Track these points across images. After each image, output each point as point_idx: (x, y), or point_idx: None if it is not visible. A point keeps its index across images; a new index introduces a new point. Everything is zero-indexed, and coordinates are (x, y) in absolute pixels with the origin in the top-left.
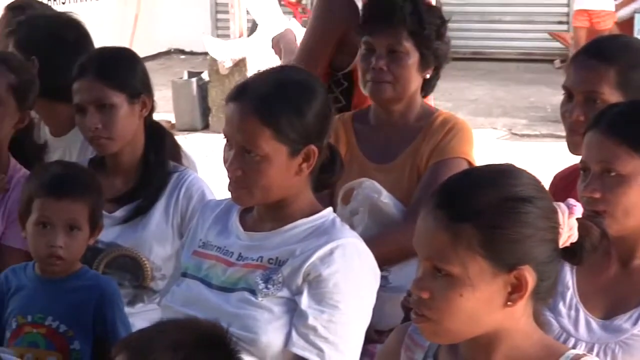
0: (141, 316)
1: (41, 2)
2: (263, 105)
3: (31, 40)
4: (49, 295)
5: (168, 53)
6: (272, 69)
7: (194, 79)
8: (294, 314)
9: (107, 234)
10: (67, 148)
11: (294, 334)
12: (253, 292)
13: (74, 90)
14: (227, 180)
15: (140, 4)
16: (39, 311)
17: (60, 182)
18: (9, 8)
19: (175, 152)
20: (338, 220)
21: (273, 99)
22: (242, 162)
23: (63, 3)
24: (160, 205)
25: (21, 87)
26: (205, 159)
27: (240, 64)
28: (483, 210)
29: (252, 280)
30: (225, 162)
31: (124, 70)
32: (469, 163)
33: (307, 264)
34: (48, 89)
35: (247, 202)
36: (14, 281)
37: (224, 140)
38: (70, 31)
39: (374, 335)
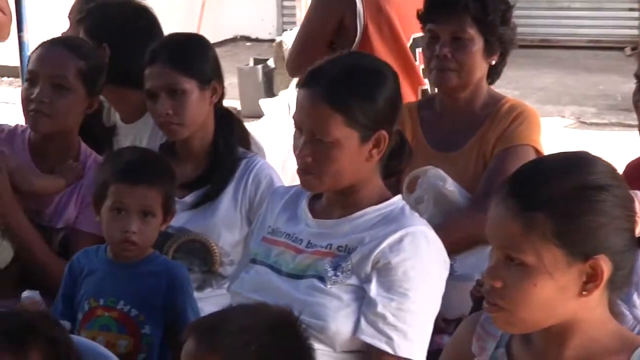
0: (209, 301)
1: None
2: (334, 91)
3: (102, 27)
4: (121, 279)
5: (234, 40)
6: (342, 54)
7: (259, 66)
8: (363, 302)
9: (177, 219)
10: (138, 134)
11: (362, 321)
12: (322, 279)
13: (145, 76)
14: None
15: None
16: (110, 295)
17: (135, 168)
18: None
19: (244, 138)
20: (407, 207)
21: (343, 84)
22: (312, 149)
23: None
24: (229, 191)
25: (90, 73)
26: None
27: None
28: (557, 199)
29: (321, 267)
30: (295, 148)
31: (195, 56)
32: (536, 150)
33: (376, 251)
34: (118, 75)
35: (316, 189)
36: (87, 264)
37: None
38: (140, 17)
39: (441, 324)
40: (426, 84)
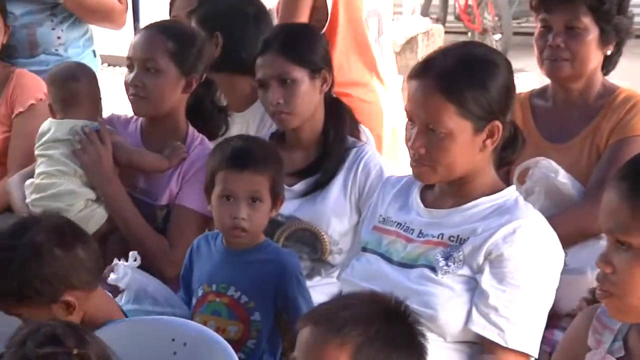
0: (318, 289)
1: None
2: (447, 81)
3: (213, 16)
4: (233, 266)
5: None
6: (454, 44)
7: None
8: (475, 293)
9: (287, 207)
10: (246, 123)
11: (474, 312)
12: (433, 269)
13: (257, 66)
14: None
15: None
16: (222, 281)
17: (241, 154)
18: None
19: (354, 127)
20: (521, 199)
21: (457, 74)
22: (425, 140)
23: None
24: (338, 180)
25: (180, 53)
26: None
27: (412, 42)
28: None
29: (432, 257)
30: (407, 139)
31: (306, 45)
32: None
33: (489, 242)
34: (230, 63)
35: (429, 180)
36: (205, 249)
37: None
38: (251, 6)
39: (551, 318)
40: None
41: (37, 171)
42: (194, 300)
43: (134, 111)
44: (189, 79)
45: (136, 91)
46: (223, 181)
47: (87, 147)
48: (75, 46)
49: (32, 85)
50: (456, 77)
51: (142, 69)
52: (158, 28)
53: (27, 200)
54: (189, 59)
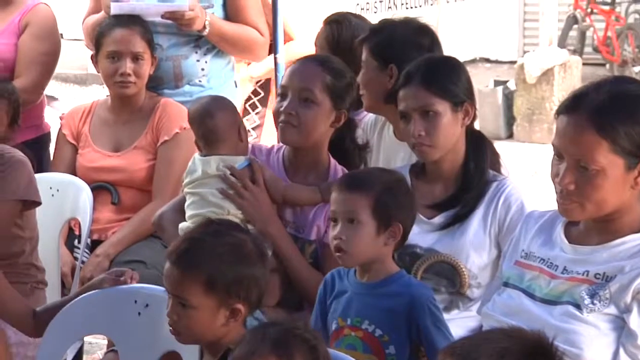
0: (456, 322)
1: (356, 14)
2: (599, 117)
3: (387, 47)
4: (365, 299)
5: (474, 61)
6: (605, 79)
7: (499, 87)
8: (622, 332)
9: (426, 240)
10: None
11: (622, 353)
12: (578, 306)
13: (399, 98)
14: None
15: (439, 13)
16: (356, 314)
17: (351, 177)
18: (327, 22)
19: (495, 161)
20: None
21: (609, 110)
22: (575, 176)
23: (375, 12)
24: (478, 214)
25: (337, 88)
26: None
27: (548, 74)
28: None
29: (577, 294)
30: (554, 175)
31: (448, 78)
32: None
33: (637, 281)
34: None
35: (577, 217)
36: (338, 283)
37: (528, 150)
38: (426, 37)
39: None
40: None
41: (189, 212)
42: (329, 333)
43: (282, 139)
44: (339, 113)
45: (288, 119)
46: (332, 202)
47: (242, 191)
48: (217, 77)
49: (177, 115)
50: (610, 113)
51: (297, 98)
52: (316, 60)
53: None
54: (342, 93)
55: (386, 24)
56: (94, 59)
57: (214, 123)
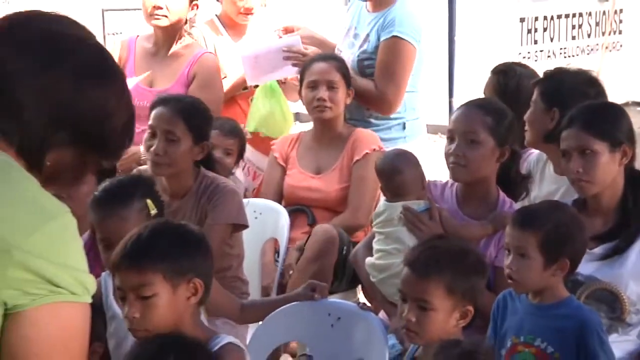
0: (615, 345)
1: (521, 63)
2: None
3: (556, 92)
4: (537, 320)
5: (626, 105)
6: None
7: None
8: None
9: (587, 268)
10: (560, 187)
11: None
12: None
13: (562, 138)
14: None
15: (601, 61)
16: (529, 332)
17: (523, 214)
18: (494, 72)
19: None
20: None
21: None
22: None
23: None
24: (636, 246)
25: (496, 127)
26: None
27: None
28: None
29: None
30: None
31: (608, 121)
32: None
33: None
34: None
35: None
36: (509, 304)
37: None
38: (593, 88)
39: None
40: None
41: (375, 247)
42: (502, 352)
43: (453, 178)
44: (503, 150)
45: (457, 160)
46: None
47: (420, 225)
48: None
49: (368, 139)
50: None
51: (464, 141)
52: (476, 105)
53: (373, 280)
54: (503, 132)
55: (559, 71)
56: (300, 93)
57: (402, 179)
